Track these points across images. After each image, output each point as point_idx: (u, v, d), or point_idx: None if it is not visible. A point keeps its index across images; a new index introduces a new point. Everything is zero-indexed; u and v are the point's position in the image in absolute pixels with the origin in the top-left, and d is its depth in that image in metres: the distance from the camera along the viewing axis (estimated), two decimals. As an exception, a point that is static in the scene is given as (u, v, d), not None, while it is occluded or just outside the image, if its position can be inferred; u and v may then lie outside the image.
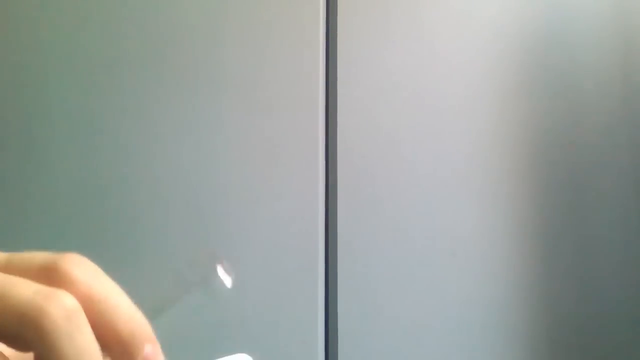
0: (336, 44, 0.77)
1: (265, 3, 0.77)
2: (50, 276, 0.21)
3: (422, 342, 0.70)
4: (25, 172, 0.75)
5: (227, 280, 0.25)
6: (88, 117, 0.76)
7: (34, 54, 0.78)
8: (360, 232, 0.73)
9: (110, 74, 0.77)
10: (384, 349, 0.70)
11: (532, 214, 0.73)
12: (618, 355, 0.69)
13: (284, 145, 0.74)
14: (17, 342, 0.20)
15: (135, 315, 0.22)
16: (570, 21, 0.76)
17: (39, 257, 0.22)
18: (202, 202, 0.73)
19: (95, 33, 0.78)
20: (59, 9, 0.78)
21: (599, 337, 0.70)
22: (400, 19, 0.77)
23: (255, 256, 0.72)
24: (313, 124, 0.75)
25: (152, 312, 0.23)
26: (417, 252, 0.72)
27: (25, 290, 0.20)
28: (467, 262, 0.72)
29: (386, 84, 0.76)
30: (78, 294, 0.21)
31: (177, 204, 0.74)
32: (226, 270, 0.26)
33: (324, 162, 0.75)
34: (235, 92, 0.76)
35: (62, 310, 0.20)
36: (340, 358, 0.70)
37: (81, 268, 0.21)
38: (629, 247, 0.71)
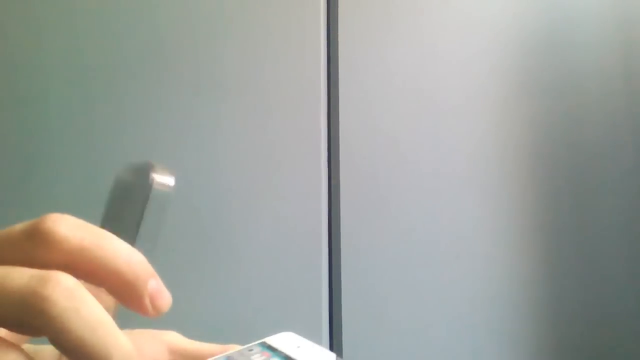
0: (337, 45, 0.77)
1: (266, 5, 0.77)
2: (35, 241, 0.20)
3: (425, 343, 0.70)
4: (26, 174, 0.75)
5: (168, 180, 0.25)
6: (89, 120, 0.76)
7: (34, 56, 0.78)
8: (363, 233, 0.72)
9: (112, 76, 0.77)
10: (388, 350, 0.70)
11: (535, 215, 0.73)
12: (623, 356, 0.69)
13: (287, 147, 0.74)
14: (26, 329, 0.19)
15: (132, 254, 0.22)
16: (572, 21, 0.76)
17: (18, 226, 0.21)
18: (206, 203, 0.73)
19: (96, 35, 0.78)
20: (60, 10, 0.78)
21: (604, 337, 0.69)
22: (401, 20, 0.77)
23: (258, 257, 0.71)
24: (315, 125, 0.75)
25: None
26: (420, 254, 0.72)
27: (19, 277, 0.19)
28: (470, 263, 0.71)
29: (388, 85, 0.76)
30: (70, 249, 0.20)
31: (180, 205, 0.73)
32: (164, 172, 0.26)
33: (326, 163, 0.75)
34: (237, 94, 0.76)
35: (61, 291, 0.19)
36: (344, 359, 0.70)
37: (64, 223, 0.21)
38: (632, 247, 0.71)
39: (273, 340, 0.28)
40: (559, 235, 0.72)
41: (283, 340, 0.28)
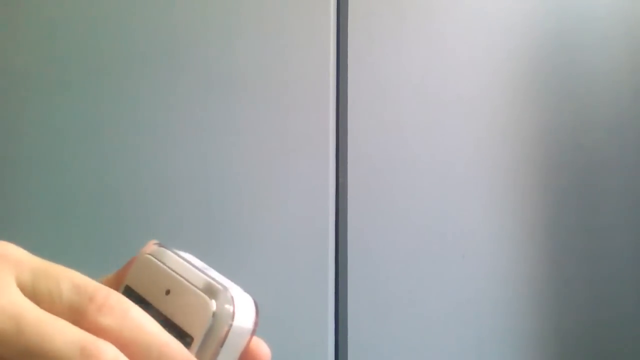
0: (347, 43, 0.77)
1: (276, 3, 0.77)
2: (80, 322, 0.21)
3: (431, 342, 0.70)
4: (37, 172, 0.76)
5: (248, 321, 0.25)
6: (100, 117, 0.77)
7: (44, 53, 0.78)
8: (370, 231, 0.73)
9: (122, 73, 0.77)
10: (393, 349, 0.70)
11: (541, 216, 0.72)
12: (628, 357, 0.68)
13: (295, 145, 0.74)
14: None
15: (163, 345, 0.22)
16: (581, 22, 0.75)
17: (66, 292, 0.21)
18: (214, 201, 0.74)
19: (106, 33, 0.78)
20: (71, 10, 0.79)
21: (609, 338, 0.69)
22: (410, 18, 0.77)
23: (265, 254, 0.72)
24: (324, 123, 0.75)
25: None
26: (426, 253, 0.72)
27: (61, 341, 0.19)
28: (476, 262, 0.72)
29: (396, 83, 0.76)
30: (109, 340, 0.21)
31: (188, 203, 0.74)
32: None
33: (334, 160, 0.75)
34: (246, 92, 0.76)
35: None
36: (350, 358, 0.70)
37: (109, 315, 0.21)
38: (638, 248, 0.71)
39: (139, 278, 0.26)
40: (565, 236, 0.72)
41: (149, 277, 0.25)
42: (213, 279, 0.25)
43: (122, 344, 0.21)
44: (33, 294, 0.21)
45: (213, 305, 0.24)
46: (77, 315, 0.21)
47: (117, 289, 0.25)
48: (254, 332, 0.25)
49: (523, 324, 0.70)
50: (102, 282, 0.28)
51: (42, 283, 0.21)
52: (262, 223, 0.73)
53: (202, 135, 0.75)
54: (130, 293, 0.26)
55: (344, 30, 0.77)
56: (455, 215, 0.73)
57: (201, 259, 0.28)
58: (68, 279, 0.22)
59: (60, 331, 0.20)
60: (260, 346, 0.26)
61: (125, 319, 0.21)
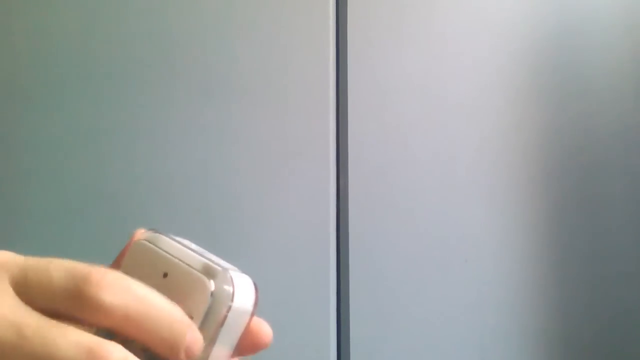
0: (346, 45, 0.77)
1: (275, 5, 0.77)
2: (79, 304, 0.20)
3: (433, 346, 0.70)
4: (35, 175, 0.75)
5: (247, 301, 0.24)
6: (99, 120, 0.76)
7: (42, 56, 0.78)
8: (371, 234, 0.72)
9: (121, 76, 0.77)
10: (395, 354, 0.70)
11: (544, 219, 0.72)
12: (632, 359, 0.68)
13: (295, 148, 0.74)
14: None
15: (173, 315, 0.21)
16: (582, 24, 0.75)
17: (58, 279, 0.21)
18: (214, 204, 0.73)
19: (105, 36, 0.78)
20: (69, 13, 0.79)
21: (613, 341, 0.69)
22: (410, 20, 0.77)
23: (267, 258, 0.71)
24: (324, 126, 0.74)
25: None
26: (428, 256, 0.72)
27: (66, 347, 0.19)
28: (478, 266, 0.71)
29: (397, 85, 0.75)
30: (114, 317, 0.20)
31: (188, 206, 0.74)
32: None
33: (335, 164, 0.75)
34: (246, 95, 0.76)
35: None
36: (351, 362, 0.70)
37: (109, 290, 0.20)
38: (642, 253, 0.71)
39: (135, 264, 0.25)
40: (568, 239, 0.72)
41: (145, 262, 0.25)
42: (211, 260, 0.24)
43: (129, 320, 0.20)
44: (25, 291, 0.21)
45: (212, 285, 0.23)
46: (75, 300, 0.20)
47: None
48: (253, 313, 0.25)
49: (526, 328, 0.70)
50: None
51: (32, 276, 0.21)
52: (263, 226, 0.72)
53: (201, 138, 0.75)
54: None
55: (343, 32, 0.77)
56: (458, 218, 0.72)
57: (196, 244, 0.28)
58: (58, 266, 0.21)
59: (63, 335, 0.19)
60: (262, 326, 0.26)
61: (128, 293, 0.21)
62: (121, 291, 0.21)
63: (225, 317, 0.23)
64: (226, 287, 0.23)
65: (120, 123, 0.76)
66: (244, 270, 0.26)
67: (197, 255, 0.25)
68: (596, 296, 0.70)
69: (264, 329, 0.26)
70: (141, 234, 0.26)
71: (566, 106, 0.74)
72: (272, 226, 0.72)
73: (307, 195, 0.73)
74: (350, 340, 0.70)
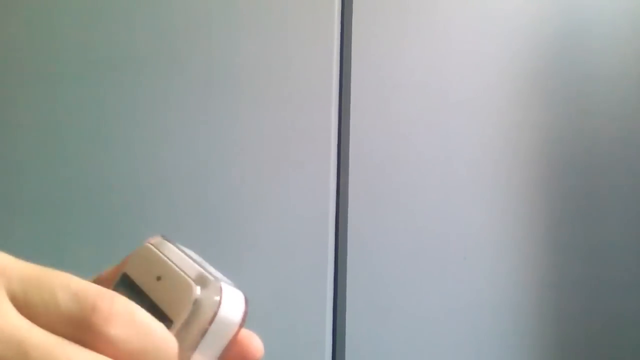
0: (351, 42, 0.77)
1: (279, 2, 0.77)
2: (83, 335, 0.19)
3: (430, 344, 0.70)
4: (35, 170, 0.75)
5: (235, 313, 0.24)
6: (100, 115, 0.76)
7: (44, 50, 0.78)
8: (370, 232, 0.72)
9: (123, 71, 0.77)
10: (392, 351, 0.70)
11: (544, 218, 0.72)
12: (630, 363, 0.68)
13: (296, 144, 0.74)
14: None
15: (170, 349, 0.21)
16: (587, 24, 0.75)
17: (64, 302, 0.20)
18: (214, 200, 0.73)
19: (107, 30, 0.78)
20: (71, 7, 0.78)
21: (609, 342, 0.69)
22: (415, 18, 0.76)
23: (265, 255, 0.72)
24: (326, 122, 0.74)
25: None
26: (428, 254, 0.72)
27: None
28: (478, 265, 0.71)
29: (400, 83, 0.75)
30: (117, 352, 0.20)
31: (188, 201, 0.74)
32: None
33: (336, 160, 0.75)
34: (248, 91, 0.75)
35: None
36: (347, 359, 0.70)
37: (115, 325, 0.20)
38: (643, 254, 0.70)
39: (136, 265, 0.26)
40: (567, 239, 0.71)
41: (145, 264, 0.25)
42: (207, 271, 0.25)
43: (131, 352, 0.20)
44: (26, 307, 0.19)
45: (197, 291, 0.23)
46: (80, 328, 0.19)
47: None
48: (241, 326, 0.24)
49: (524, 327, 0.70)
50: (107, 272, 0.27)
51: (34, 293, 0.20)
52: (262, 222, 0.72)
53: (203, 132, 0.75)
54: (126, 279, 0.26)
55: (347, 29, 0.77)
56: (458, 216, 0.72)
57: (201, 257, 0.28)
58: (64, 287, 0.20)
59: (69, 356, 0.19)
60: (252, 340, 0.25)
61: (132, 327, 0.20)
62: (127, 324, 0.20)
63: (209, 325, 0.23)
64: (213, 295, 0.23)
65: (121, 116, 0.76)
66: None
67: (195, 265, 0.25)
68: (594, 297, 0.70)
69: (255, 343, 0.25)
70: (153, 238, 0.26)
71: (568, 107, 0.74)
72: (271, 221, 0.72)
73: (307, 191, 0.73)
74: (346, 336, 0.70)
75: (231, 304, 0.24)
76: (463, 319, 0.70)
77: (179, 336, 0.22)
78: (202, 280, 0.24)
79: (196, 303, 0.23)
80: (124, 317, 0.20)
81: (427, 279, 0.71)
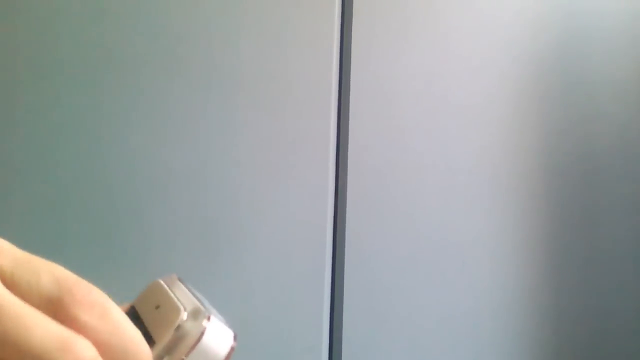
0: (350, 46, 0.77)
1: (280, 3, 0.77)
2: (57, 314, 0.20)
3: (428, 349, 0.69)
4: (36, 170, 0.75)
5: (222, 347, 0.24)
6: (98, 116, 0.76)
7: (45, 51, 0.78)
8: (369, 237, 0.72)
9: (122, 73, 0.77)
10: (389, 355, 0.70)
11: (543, 224, 0.72)
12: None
13: (295, 147, 0.74)
14: None
15: (139, 350, 0.22)
16: (587, 29, 0.75)
17: (45, 283, 0.21)
18: (212, 202, 0.73)
19: (106, 31, 0.78)
20: (70, 8, 0.79)
21: (608, 345, 0.68)
22: (414, 23, 0.76)
23: (262, 257, 0.71)
24: (325, 126, 0.74)
25: None
26: (426, 260, 0.71)
27: (39, 336, 0.19)
28: (476, 270, 0.71)
29: (399, 88, 0.75)
30: (85, 337, 0.20)
31: (186, 203, 0.74)
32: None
33: (334, 164, 0.75)
34: (247, 93, 0.75)
35: None
36: (344, 363, 0.70)
37: (89, 312, 0.21)
38: (639, 259, 0.70)
39: (143, 298, 0.26)
40: (566, 244, 0.71)
41: (150, 296, 0.26)
42: (205, 307, 0.25)
43: (98, 344, 0.20)
44: (11, 284, 0.21)
45: (184, 317, 0.24)
46: (55, 307, 0.20)
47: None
48: None
49: (523, 333, 0.70)
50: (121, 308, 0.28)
51: (21, 273, 0.21)
52: (260, 225, 0.72)
53: (201, 135, 0.75)
54: (132, 311, 0.26)
55: (347, 33, 0.77)
56: (456, 222, 0.72)
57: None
58: (49, 271, 0.21)
59: (39, 325, 0.19)
60: None
61: (105, 318, 0.21)
62: (99, 314, 0.21)
63: (188, 352, 0.23)
64: (198, 325, 0.24)
65: (119, 119, 0.76)
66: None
67: (196, 300, 0.25)
68: (592, 302, 0.70)
69: None
70: (165, 277, 0.28)
71: (568, 112, 0.74)
72: (269, 225, 0.72)
73: (305, 195, 0.73)
74: (343, 342, 0.70)
75: (217, 337, 0.24)
76: (461, 324, 0.70)
77: (157, 358, 0.23)
78: (194, 311, 0.24)
79: (179, 329, 0.23)
80: (98, 307, 0.21)
81: (425, 284, 0.71)
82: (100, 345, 0.20)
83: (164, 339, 0.23)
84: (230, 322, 0.25)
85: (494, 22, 0.76)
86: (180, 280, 0.28)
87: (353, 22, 0.77)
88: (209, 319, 0.24)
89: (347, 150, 0.75)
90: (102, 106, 0.76)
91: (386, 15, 0.77)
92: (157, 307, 0.25)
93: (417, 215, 0.72)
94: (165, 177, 0.74)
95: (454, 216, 0.72)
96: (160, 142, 0.75)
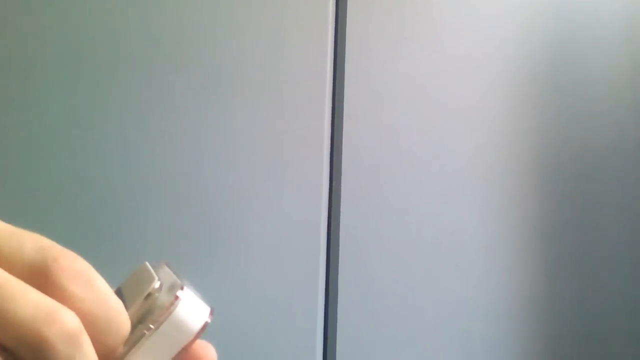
0: (344, 46, 0.77)
1: (274, 4, 0.77)
2: (41, 283, 0.20)
3: (421, 351, 0.69)
4: (29, 171, 0.75)
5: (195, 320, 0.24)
6: (94, 118, 0.76)
7: (39, 51, 0.77)
8: (363, 238, 0.72)
9: (114, 73, 0.76)
10: (383, 357, 0.70)
11: (537, 226, 0.72)
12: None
13: (289, 148, 0.74)
14: (16, 355, 0.19)
15: (121, 321, 0.22)
16: (582, 28, 0.75)
17: (29, 251, 0.21)
18: (205, 203, 0.73)
19: (101, 32, 0.77)
20: (63, 7, 0.78)
21: (602, 347, 0.69)
22: (409, 23, 0.76)
23: (256, 259, 0.71)
24: (319, 126, 0.74)
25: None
26: (419, 261, 0.71)
27: (24, 307, 0.19)
28: (469, 272, 0.71)
29: (393, 88, 0.75)
30: (70, 303, 0.20)
31: (180, 204, 0.73)
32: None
33: (328, 165, 0.74)
34: (241, 93, 0.75)
35: (62, 334, 0.19)
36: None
37: (74, 280, 0.20)
38: (634, 256, 0.71)
39: (128, 280, 0.26)
40: (560, 246, 0.72)
41: (134, 277, 0.26)
42: (183, 282, 0.24)
43: (82, 313, 0.20)
44: None
45: (155, 286, 0.23)
46: (39, 276, 0.20)
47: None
48: (197, 336, 0.24)
49: (516, 333, 0.70)
50: None
51: (5, 243, 0.21)
52: (253, 227, 0.72)
53: (194, 136, 0.75)
54: (118, 292, 0.26)
55: (341, 33, 0.77)
56: (450, 223, 0.72)
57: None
58: (33, 240, 0.21)
59: (24, 295, 0.19)
60: (207, 349, 0.25)
61: (89, 288, 0.21)
62: (84, 283, 0.21)
63: (158, 323, 0.23)
64: (171, 296, 0.23)
65: (112, 118, 0.75)
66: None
67: (176, 278, 0.25)
68: (586, 303, 0.70)
69: (209, 353, 0.25)
70: (155, 262, 0.28)
71: (563, 113, 0.74)
72: (263, 225, 0.72)
73: (299, 196, 0.72)
74: (337, 343, 0.70)
75: (190, 309, 0.24)
76: (455, 325, 0.70)
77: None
78: (170, 285, 0.24)
79: (150, 297, 0.23)
80: (82, 276, 0.21)
81: (418, 285, 0.71)
82: (84, 315, 0.20)
83: (133, 307, 0.23)
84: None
85: (488, 21, 0.76)
86: (167, 264, 0.27)
87: (347, 22, 0.77)
88: (182, 289, 0.23)
89: (341, 150, 0.75)
90: (95, 105, 0.76)
91: (380, 16, 0.77)
92: (137, 282, 0.25)
93: (411, 216, 0.72)
94: (158, 177, 0.74)
95: (449, 216, 0.72)
96: (152, 142, 0.75)
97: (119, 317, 0.22)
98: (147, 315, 0.23)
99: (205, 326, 0.24)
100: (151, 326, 0.23)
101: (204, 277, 0.70)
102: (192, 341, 0.23)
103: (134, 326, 0.23)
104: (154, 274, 0.24)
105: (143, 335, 0.22)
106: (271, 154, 0.74)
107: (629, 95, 0.74)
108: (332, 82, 0.76)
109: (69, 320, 0.19)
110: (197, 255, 0.71)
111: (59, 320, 0.19)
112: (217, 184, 0.73)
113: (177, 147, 0.74)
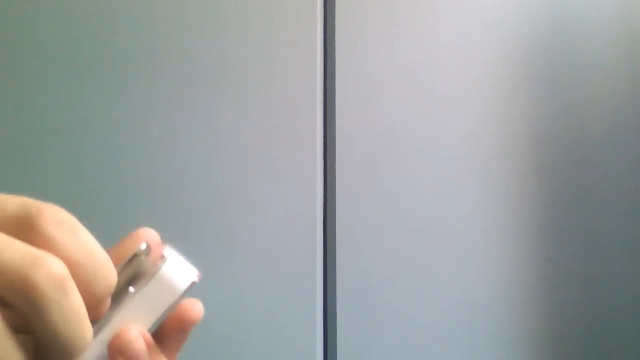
0: (334, 40, 0.76)
1: (262, 0, 0.76)
2: (26, 234, 0.20)
3: (421, 342, 0.69)
4: (17, 171, 0.74)
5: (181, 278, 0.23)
6: (83, 116, 0.75)
7: (29, 53, 0.76)
8: (359, 231, 0.71)
9: (105, 71, 0.75)
10: (384, 352, 0.69)
11: (535, 215, 0.72)
12: (622, 358, 0.68)
13: (282, 143, 0.73)
14: (5, 302, 0.20)
15: (107, 270, 0.22)
16: (575, 18, 0.75)
17: (12, 206, 0.21)
18: (199, 200, 0.72)
19: (90, 31, 0.77)
20: (53, 5, 0.77)
21: (603, 339, 0.68)
22: (399, 15, 0.76)
23: (252, 256, 0.70)
24: (311, 121, 0.73)
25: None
26: (418, 252, 0.71)
27: (11, 254, 0.19)
28: (468, 262, 0.70)
29: (385, 80, 0.75)
30: (56, 252, 0.21)
31: (173, 202, 0.72)
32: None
33: (322, 159, 0.74)
34: (233, 91, 0.74)
35: (49, 279, 0.19)
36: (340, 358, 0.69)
37: (58, 229, 0.21)
38: (633, 248, 0.70)
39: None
40: (558, 236, 0.71)
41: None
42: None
43: (69, 262, 0.21)
44: None
45: (141, 247, 0.24)
46: (23, 227, 0.20)
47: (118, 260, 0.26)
48: (184, 295, 0.24)
49: (516, 325, 0.69)
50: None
51: None
52: (248, 223, 0.71)
53: (187, 133, 0.74)
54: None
55: (331, 26, 0.77)
56: (448, 214, 0.72)
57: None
58: (17, 197, 0.21)
59: (9, 244, 0.20)
60: (193, 304, 0.26)
61: (74, 236, 0.21)
62: (68, 232, 0.21)
63: (145, 282, 0.23)
64: (158, 258, 0.23)
65: (103, 118, 0.75)
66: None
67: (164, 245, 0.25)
68: (586, 293, 0.70)
69: (195, 306, 0.26)
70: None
71: (558, 100, 0.74)
72: (258, 223, 0.71)
73: (294, 192, 0.72)
74: (337, 337, 0.69)
75: (176, 269, 0.24)
76: (455, 317, 0.69)
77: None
78: (158, 249, 0.24)
79: (136, 257, 0.23)
80: (66, 225, 0.21)
81: (418, 278, 0.70)
82: (70, 263, 0.21)
83: (121, 264, 0.23)
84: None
85: (481, 10, 0.76)
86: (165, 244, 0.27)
87: (336, 15, 0.76)
88: (169, 254, 0.24)
89: (334, 145, 0.74)
90: (86, 104, 0.75)
91: (370, 7, 0.76)
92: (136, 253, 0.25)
93: (408, 209, 0.72)
94: (152, 177, 0.73)
95: (445, 208, 0.72)
96: (145, 142, 0.74)
97: (105, 266, 0.22)
98: (134, 277, 0.23)
99: (192, 285, 0.24)
100: (138, 286, 0.23)
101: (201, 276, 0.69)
102: (178, 300, 0.24)
103: (122, 287, 0.23)
104: (145, 243, 0.24)
105: (129, 293, 0.22)
106: (264, 150, 0.73)
107: (623, 78, 0.74)
108: (322, 74, 0.75)
109: (55, 265, 0.20)
110: (192, 254, 0.70)
111: (45, 265, 0.19)
112: (210, 181, 0.72)
113: (168, 145, 0.74)
